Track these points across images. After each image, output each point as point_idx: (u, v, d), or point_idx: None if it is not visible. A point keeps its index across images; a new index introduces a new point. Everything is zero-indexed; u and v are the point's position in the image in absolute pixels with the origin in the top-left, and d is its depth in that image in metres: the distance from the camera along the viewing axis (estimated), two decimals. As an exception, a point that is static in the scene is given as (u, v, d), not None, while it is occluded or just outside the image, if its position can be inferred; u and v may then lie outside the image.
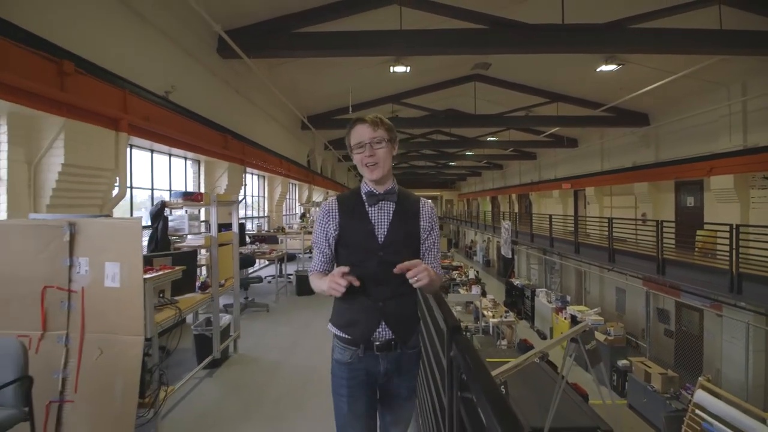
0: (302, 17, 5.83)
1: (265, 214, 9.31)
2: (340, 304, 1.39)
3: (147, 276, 2.49)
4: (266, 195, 9.38)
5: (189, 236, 3.88)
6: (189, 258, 3.11)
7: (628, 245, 8.84)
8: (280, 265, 6.56)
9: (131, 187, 4.37)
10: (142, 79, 4.04)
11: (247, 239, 6.43)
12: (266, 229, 8.13)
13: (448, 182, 35.62)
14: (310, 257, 7.71)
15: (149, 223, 4.01)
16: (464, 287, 17.85)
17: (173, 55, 4.85)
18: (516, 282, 16.79)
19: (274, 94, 7.57)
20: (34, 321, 2.34)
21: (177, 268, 2.77)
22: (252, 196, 8.86)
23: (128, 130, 3.69)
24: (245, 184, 7.05)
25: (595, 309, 10.68)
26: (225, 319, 3.63)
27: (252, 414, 2.66)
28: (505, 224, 17.12)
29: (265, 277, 6.72)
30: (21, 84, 2.74)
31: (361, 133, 1.32)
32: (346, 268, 1.24)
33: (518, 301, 15.85)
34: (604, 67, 7.90)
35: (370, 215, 1.35)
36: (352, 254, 1.37)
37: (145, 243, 3.64)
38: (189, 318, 3.94)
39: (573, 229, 11.29)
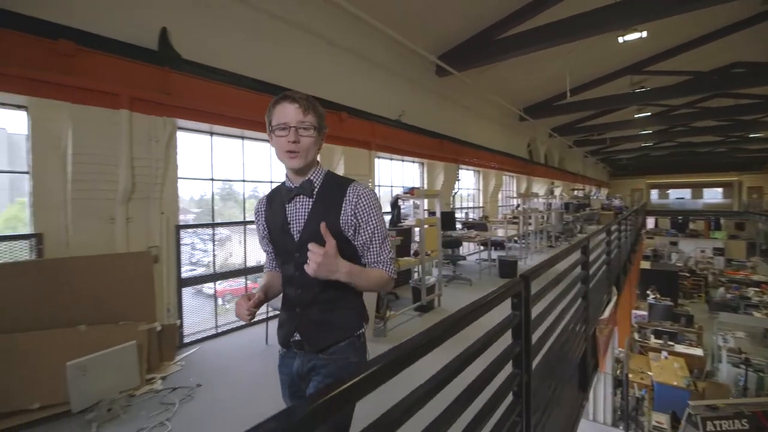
0: (501, 25, 6.64)
1: (480, 205, 10.58)
2: None
3: (380, 240, 4.20)
4: (480, 188, 10.61)
5: (409, 219, 5.63)
6: (405, 232, 4.75)
7: None
8: (488, 250, 7.67)
9: (378, 186, 6.61)
10: (382, 111, 6.10)
11: (458, 225, 7.91)
12: (472, 217, 9.41)
13: (751, 162, 25.61)
14: (511, 245, 8.36)
15: (389, 210, 6.10)
16: (764, 311, 12.99)
17: (402, 86, 6.81)
18: None
19: (485, 96, 8.66)
20: (330, 260, 4.50)
21: (397, 237, 4.42)
22: (468, 189, 10.33)
23: (375, 148, 5.78)
24: (459, 179, 8.52)
25: None
26: (431, 279, 5.14)
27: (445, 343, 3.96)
28: None
29: (476, 260, 8.00)
30: (325, 129, 5.10)
31: (285, 114, 1.16)
32: (257, 297, 1.23)
33: None
34: None
35: (287, 212, 1.25)
36: (276, 255, 1.33)
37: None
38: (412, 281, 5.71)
39: None
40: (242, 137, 4.67)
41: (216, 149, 4.40)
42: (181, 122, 3.78)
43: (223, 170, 4.52)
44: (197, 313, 4.18)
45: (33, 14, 2.89)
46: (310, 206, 1.23)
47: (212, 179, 4.36)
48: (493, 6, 6.40)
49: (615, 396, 6.57)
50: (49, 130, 3.09)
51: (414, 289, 5.09)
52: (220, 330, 4.29)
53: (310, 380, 1.26)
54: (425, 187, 7.86)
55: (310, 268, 1.07)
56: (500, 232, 7.55)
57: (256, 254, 4.83)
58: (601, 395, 6.31)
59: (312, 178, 1.24)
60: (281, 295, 1.36)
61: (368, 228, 1.22)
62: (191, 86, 3.67)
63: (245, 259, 4.70)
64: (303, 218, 1.22)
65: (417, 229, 5.00)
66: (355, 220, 1.21)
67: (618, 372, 6.90)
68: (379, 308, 4.22)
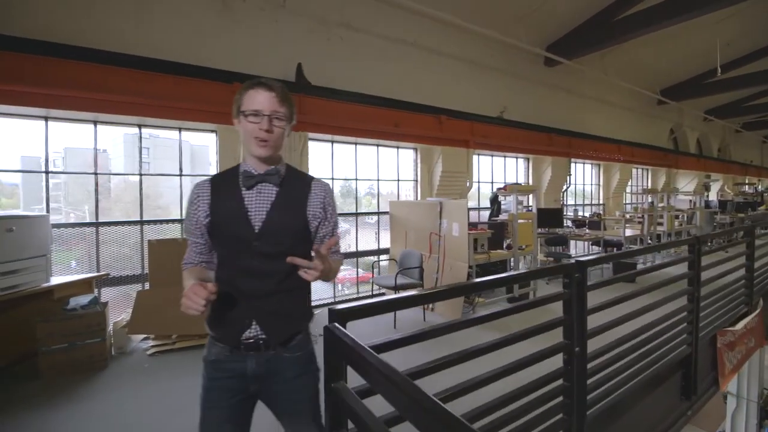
0: (621, 4, 6.21)
1: (601, 202, 9.79)
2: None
3: (470, 232, 4.67)
4: (601, 183, 9.80)
5: (505, 214, 5.89)
6: (497, 226, 5.10)
7: None
8: (603, 250, 7.25)
9: (478, 182, 6.98)
10: (482, 109, 6.44)
11: (567, 222, 7.65)
12: (582, 214, 8.79)
13: None
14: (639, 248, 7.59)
15: (489, 206, 6.45)
16: None
17: (505, 83, 6.98)
18: None
19: (608, 80, 8.07)
20: (426, 248, 5.16)
21: (487, 230, 4.82)
22: (585, 185, 9.69)
23: (474, 146, 6.20)
24: (570, 174, 8.17)
25: None
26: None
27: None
28: None
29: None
30: (423, 133, 5.74)
31: (260, 101, 1.18)
32: (212, 287, 1.09)
33: None
34: None
35: (245, 199, 1.22)
36: (225, 244, 1.26)
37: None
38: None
39: None
40: (355, 143, 5.66)
41: (336, 154, 5.50)
42: (311, 134, 4.92)
43: (341, 171, 5.62)
44: (320, 288, 5.36)
45: (217, 67, 4.26)
46: (274, 195, 1.24)
47: (332, 178, 5.46)
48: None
49: (761, 429, 5.60)
50: (228, 146, 4.49)
51: (507, 282, 5.39)
52: (336, 299, 5.45)
53: (271, 384, 1.25)
54: (530, 183, 7.83)
55: (311, 276, 1.12)
56: (628, 232, 7.09)
57: (366, 242, 5.80)
58: (741, 424, 5.52)
59: (279, 167, 1.28)
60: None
61: (332, 221, 1.33)
62: (317, 106, 4.75)
63: (356, 245, 5.73)
64: (265, 207, 1.22)
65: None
66: (323, 213, 1.29)
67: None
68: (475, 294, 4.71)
